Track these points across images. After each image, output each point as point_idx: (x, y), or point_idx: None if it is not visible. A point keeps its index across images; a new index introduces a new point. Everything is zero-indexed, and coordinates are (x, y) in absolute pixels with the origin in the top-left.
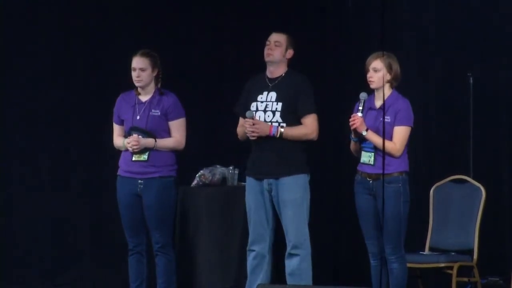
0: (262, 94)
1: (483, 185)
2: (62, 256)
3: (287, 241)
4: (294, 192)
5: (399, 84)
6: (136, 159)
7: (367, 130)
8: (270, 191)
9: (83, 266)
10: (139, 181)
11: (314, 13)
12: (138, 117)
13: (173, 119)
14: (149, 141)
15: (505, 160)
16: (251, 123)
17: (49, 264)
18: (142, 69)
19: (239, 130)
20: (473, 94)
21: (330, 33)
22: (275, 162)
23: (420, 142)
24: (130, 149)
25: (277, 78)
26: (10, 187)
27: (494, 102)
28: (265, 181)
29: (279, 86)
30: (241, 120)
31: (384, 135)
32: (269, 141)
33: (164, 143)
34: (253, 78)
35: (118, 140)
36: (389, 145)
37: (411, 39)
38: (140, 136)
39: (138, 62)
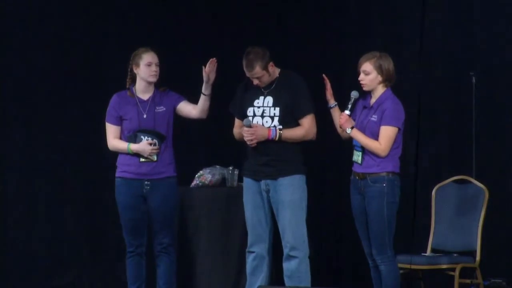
0: (258, 99)
1: (485, 185)
2: (61, 258)
3: (283, 243)
4: (292, 193)
5: (400, 83)
6: (145, 160)
7: (352, 128)
8: (267, 192)
9: (81, 268)
10: (146, 182)
11: (314, 12)
12: (145, 116)
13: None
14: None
15: (508, 160)
16: (251, 132)
17: (47, 266)
18: (157, 64)
19: (236, 131)
20: (475, 94)
21: (330, 33)
22: (272, 163)
23: (422, 142)
24: (146, 154)
25: (271, 83)
26: (7, 188)
27: (497, 102)
28: (263, 182)
29: (275, 90)
30: (237, 121)
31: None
32: (266, 143)
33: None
34: (247, 81)
35: (117, 142)
36: (373, 144)
37: (414, 38)
38: (150, 139)
39: (154, 57)
